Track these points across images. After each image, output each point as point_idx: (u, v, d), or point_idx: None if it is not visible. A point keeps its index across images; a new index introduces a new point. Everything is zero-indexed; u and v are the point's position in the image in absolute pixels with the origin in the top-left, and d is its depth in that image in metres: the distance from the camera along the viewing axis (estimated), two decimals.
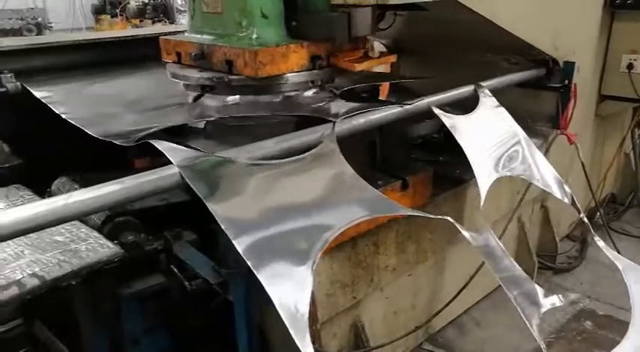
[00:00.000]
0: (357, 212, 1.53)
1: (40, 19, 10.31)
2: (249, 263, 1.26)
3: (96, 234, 1.71)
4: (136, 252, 1.74)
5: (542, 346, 1.57)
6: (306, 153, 1.60)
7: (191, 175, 1.37)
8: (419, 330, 2.55)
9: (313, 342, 2.01)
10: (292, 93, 2.38)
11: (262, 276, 1.25)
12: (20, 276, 1.44)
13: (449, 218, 1.70)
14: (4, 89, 2.39)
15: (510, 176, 2.80)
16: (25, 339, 2.04)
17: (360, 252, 2.11)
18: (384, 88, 3.37)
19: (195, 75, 2.09)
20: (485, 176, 1.93)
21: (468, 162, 2.66)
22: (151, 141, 1.56)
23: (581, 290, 3.12)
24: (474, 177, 2.55)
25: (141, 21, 12.95)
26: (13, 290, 1.39)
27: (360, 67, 2.07)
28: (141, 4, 13.43)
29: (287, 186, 1.49)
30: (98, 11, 13.96)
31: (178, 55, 2.24)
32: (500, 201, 2.79)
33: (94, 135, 1.78)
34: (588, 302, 3.03)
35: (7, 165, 2.43)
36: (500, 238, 2.67)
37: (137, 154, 2.50)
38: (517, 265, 1.78)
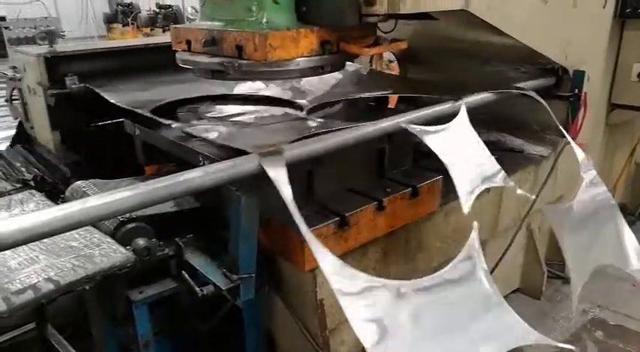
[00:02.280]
0: None
1: (53, 28, 10.47)
2: None
3: (109, 239, 1.73)
4: (147, 257, 1.76)
5: None
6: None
7: None
8: None
9: (322, 348, 2.03)
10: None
11: None
12: (35, 281, 1.46)
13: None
14: (68, 90, 2.59)
15: (519, 184, 2.82)
16: (38, 343, 2.08)
17: (370, 259, 2.12)
18: (392, 98, 3.39)
19: (205, 60, 2.10)
20: (468, 188, 1.87)
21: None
22: None
23: (591, 300, 3.09)
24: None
25: (152, 29, 13.12)
26: (29, 295, 1.42)
27: (370, 52, 2.07)
28: (152, 12, 13.62)
29: None
30: (110, 20, 14.19)
31: (188, 43, 2.23)
32: (508, 209, 2.79)
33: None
34: (599, 311, 3.00)
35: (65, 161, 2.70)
36: (508, 247, 2.69)
37: (147, 161, 2.56)
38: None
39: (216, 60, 2.06)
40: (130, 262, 1.63)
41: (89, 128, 2.69)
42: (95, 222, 1.31)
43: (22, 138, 3.19)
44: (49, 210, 1.21)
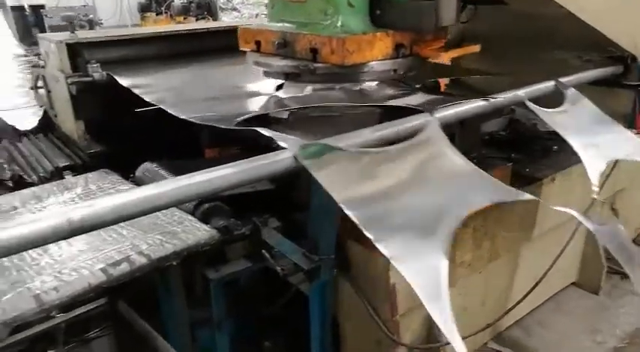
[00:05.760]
0: (479, 198, 1.55)
1: (91, 16, 10.64)
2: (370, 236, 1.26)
3: (190, 217, 1.76)
4: (226, 236, 1.77)
5: None
6: (413, 139, 1.60)
7: (307, 162, 1.38)
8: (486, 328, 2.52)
9: (392, 333, 2.02)
10: (366, 87, 2.40)
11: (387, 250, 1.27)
12: (130, 253, 1.49)
13: (575, 212, 1.64)
14: (90, 78, 2.48)
15: (584, 174, 2.75)
16: (110, 318, 2.12)
17: None
18: (442, 82, 3.33)
19: (279, 63, 2.12)
20: (594, 162, 1.93)
21: (540, 160, 2.64)
22: (258, 129, 1.59)
23: None
24: (547, 175, 2.54)
25: (185, 18, 13.22)
26: (125, 267, 1.45)
27: (444, 56, 2.06)
28: (185, 1, 13.72)
29: (397, 169, 1.50)
30: (144, 9, 14.34)
31: (257, 43, 2.27)
32: (570, 202, 2.72)
33: (197, 121, 1.85)
34: None
35: (89, 151, 2.55)
36: (570, 239, 2.63)
37: (208, 144, 2.58)
38: None
39: (291, 63, 2.08)
40: (215, 240, 1.65)
41: (118, 117, 2.48)
42: (199, 197, 1.32)
43: (47, 126, 3.03)
44: (160, 183, 1.22)
